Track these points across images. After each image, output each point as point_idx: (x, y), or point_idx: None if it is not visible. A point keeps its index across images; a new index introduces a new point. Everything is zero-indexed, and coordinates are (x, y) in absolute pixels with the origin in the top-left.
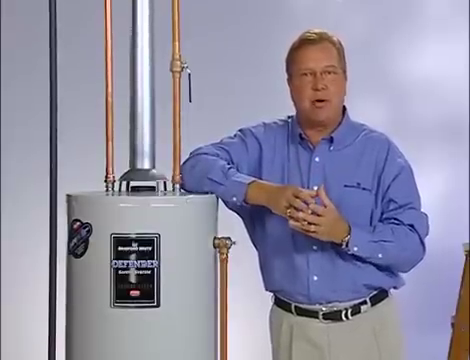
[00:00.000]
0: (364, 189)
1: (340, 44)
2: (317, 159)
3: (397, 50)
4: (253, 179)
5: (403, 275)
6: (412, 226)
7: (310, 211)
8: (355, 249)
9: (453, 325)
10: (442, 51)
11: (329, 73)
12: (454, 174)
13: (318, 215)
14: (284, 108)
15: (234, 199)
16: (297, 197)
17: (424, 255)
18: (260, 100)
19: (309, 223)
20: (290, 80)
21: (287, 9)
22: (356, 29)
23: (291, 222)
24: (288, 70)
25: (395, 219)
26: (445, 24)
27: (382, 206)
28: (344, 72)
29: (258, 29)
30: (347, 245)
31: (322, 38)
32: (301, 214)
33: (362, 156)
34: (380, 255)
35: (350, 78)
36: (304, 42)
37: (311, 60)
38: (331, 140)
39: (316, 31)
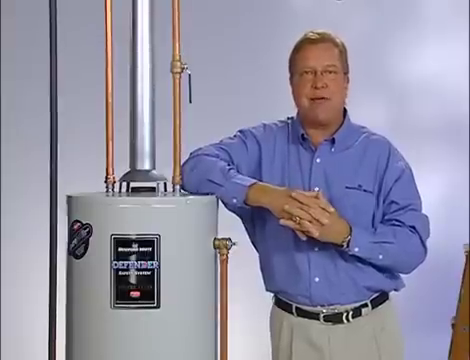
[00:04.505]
0: (365, 191)
1: (343, 46)
2: (318, 160)
3: (397, 50)
4: (254, 181)
5: (403, 275)
6: (413, 227)
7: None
8: (356, 250)
9: (453, 325)
10: (442, 51)
11: (330, 72)
12: (454, 174)
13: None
14: (284, 108)
15: (234, 201)
16: (300, 201)
17: (425, 257)
18: (260, 100)
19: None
20: (291, 79)
21: (287, 10)
22: (356, 29)
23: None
24: (290, 69)
25: (396, 220)
26: (445, 24)
27: (384, 208)
28: (345, 74)
29: (258, 29)
30: (348, 245)
31: (324, 38)
32: (305, 215)
33: (363, 158)
34: (381, 256)
35: (350, 78)
36: (306, 41)
37: (312, 59)
38: (333, 141)
39: (319, 31)
